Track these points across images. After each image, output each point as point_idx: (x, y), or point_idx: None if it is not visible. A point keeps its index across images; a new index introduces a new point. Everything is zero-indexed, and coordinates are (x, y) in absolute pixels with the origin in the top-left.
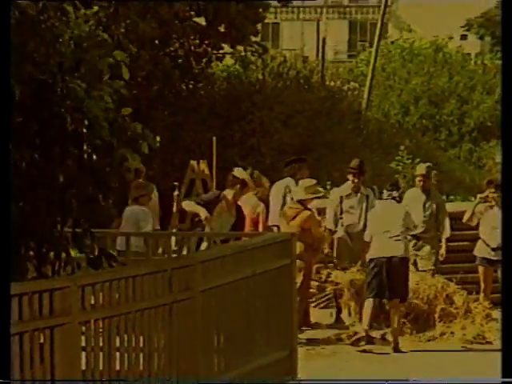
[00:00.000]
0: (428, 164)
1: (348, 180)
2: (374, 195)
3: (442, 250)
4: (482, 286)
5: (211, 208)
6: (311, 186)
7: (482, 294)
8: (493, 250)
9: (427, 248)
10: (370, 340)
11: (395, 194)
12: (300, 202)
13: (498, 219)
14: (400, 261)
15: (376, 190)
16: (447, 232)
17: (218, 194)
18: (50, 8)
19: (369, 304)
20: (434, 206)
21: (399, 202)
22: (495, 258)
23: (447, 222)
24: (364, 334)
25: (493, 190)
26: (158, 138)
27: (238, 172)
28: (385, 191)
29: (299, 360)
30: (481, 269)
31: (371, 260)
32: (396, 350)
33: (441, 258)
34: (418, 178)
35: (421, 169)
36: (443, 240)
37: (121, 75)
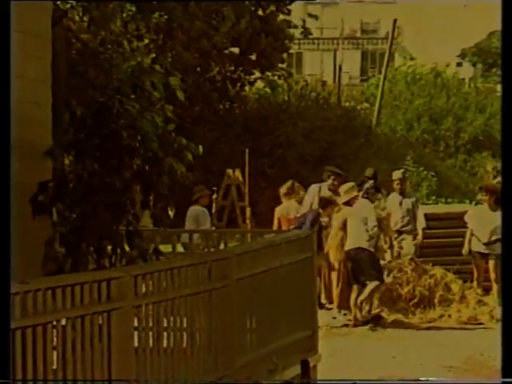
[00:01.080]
0: (402, 170)
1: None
2: (382, 197)
3: (420, 237)
4: (475, 275)
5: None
6: (349, 188)
7: (475, 283)
8: (484, 244)
9: (408, 240)
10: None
11: (360, 193)
12: (345, 203)
13: (489, 219)
14: (363, 251)
15: (384, 193)
16: (423, 224)
17: (318, 212)
18: (107, 41)
19: (354, 292)
20: (410, 204)
21: (372, 202)
22: (486, 252)
23: (422, 215)
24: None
25: (484, 194)
26: (200, 148)
27: (328, 194)
28: (360, 193)
29: (320, 338)
30: (474, 261)
31: (347, 251)
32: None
33: (417, 243)
34: (395, 182)
35: (397, 174)
36: (419, 230)
37: (171, 97)
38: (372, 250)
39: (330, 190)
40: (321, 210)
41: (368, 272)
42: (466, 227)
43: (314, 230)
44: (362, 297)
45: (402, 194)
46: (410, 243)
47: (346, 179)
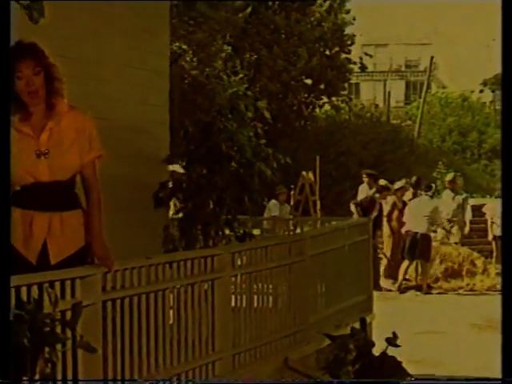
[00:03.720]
0: (453, 173)
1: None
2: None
3: (467, 228)
4: (495, 253)
5: (370, 207)
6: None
7: (494, 259)
8: None
9: (456, 227)
10: (403, 289)
11: (429, 193)
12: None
13: None
14: (422, 235)
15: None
16: (469, 216)
17: (373, 199)
18: (211, 76)
19: (404, 264)
20: (461, 199)
21: (432, 197)
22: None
23: (469, 209)
24: (399, 284)
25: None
26: (289, 159)
27: (383, 182)
28: (423, 192)
29: (374, 301)
30: (494, 242)
31: (406, 232)
32: (427, 291)
33: (465, 234)
34: (446, 183)
35: (448, 176)
36: (467, 221)
37: (259, 118)
38: (430, 234)
39: (369, 186)
40: (377, 195)
41: (420, 251)
42: (483, 216)
43: (371, 218)
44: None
45: (454, 191)
46: (458, 231)
47: (378, 177)
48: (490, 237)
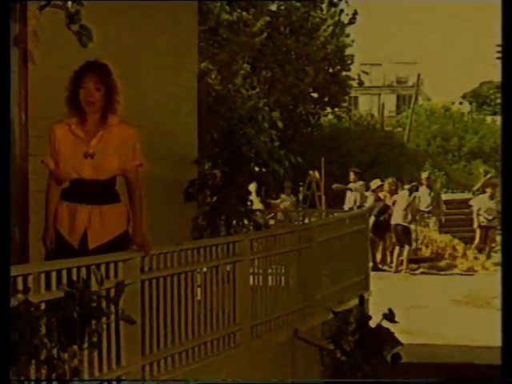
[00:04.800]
0: (428, 171)
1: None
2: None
3: (442, 217)
4: (477, 240)
5: (382, 214)
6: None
7: (474, 245)
8: (488, 221)
9: (433, 218)
10: (397, 270)
11: (407, 187)
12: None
13: (490, 204)
14: (404, 226)
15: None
16: (443, 208)
17: (387, 206)
18: (232, 90)
19: (396, 250)
20: (435, 194)
21: (410, 193)
22: (487, 224)
23: (442, 202)
24: (395, 266)
25: (487, 187)
26: (299, 159)
27: (376, 182)
28: (405, 187)
29: (371, 280)
30: (478, 230)
31: (393, 225)
32: (414, 272)
33: (442, 223)
34: (423, 180)
35: (424, 175)
36: (442, 213)
37: (273, 126)
38: (407, 225)
39: (353, 182)
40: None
41: (404, 239)
42: (466, 209)
43: (367, 209)
44: (400, 255)
45: (430, 187)
46: (435, 221)
47: (361, 174)
48: (476, 225)
